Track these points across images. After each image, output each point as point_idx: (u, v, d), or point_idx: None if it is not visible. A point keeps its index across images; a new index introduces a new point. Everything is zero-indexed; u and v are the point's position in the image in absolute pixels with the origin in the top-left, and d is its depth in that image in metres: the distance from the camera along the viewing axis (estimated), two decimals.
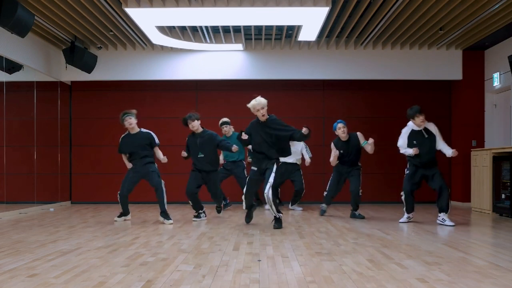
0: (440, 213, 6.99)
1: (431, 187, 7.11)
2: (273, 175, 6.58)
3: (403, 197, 7.25)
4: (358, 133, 7.88)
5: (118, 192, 7.46)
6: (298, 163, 9.25)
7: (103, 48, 10.26)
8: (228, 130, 9.11)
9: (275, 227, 6.57)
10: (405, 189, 7.20)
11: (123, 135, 7.51)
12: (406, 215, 7.30)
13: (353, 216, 7.92)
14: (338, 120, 7.94)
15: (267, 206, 9.11)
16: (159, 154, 7.46)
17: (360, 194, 7.88)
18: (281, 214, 6.73)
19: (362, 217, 7.79)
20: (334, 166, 8.13)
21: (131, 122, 7.31)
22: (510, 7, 7.54)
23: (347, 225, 6.91)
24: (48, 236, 5.83)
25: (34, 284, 3.44)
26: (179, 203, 10.50)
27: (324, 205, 8.41)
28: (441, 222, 6.97)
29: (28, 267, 4.03)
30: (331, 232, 6.20)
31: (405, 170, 7.31)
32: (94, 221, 7.41)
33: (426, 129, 7.09)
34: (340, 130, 7.81)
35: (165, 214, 7.23)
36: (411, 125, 7.13)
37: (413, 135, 7.08)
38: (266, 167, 6.66)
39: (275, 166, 6.63)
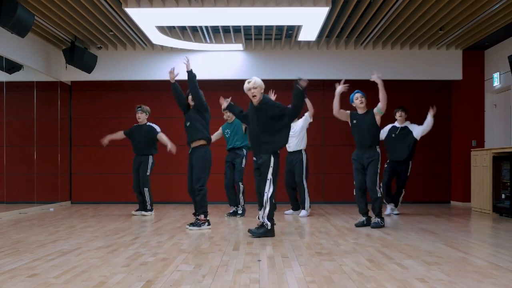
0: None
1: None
2: (270, 170, 5.64)
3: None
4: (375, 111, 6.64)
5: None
6: (299, 148, 8.00)
7: (103, 48, 10.26)
8: (231, 115, 8.17)
9: (252, 234, 5.65)
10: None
11: (136, 125, 8.47)
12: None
13: (373, 225, 6.50)
14: (356, 91, 6.81)
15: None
16: (163, 139, 8.00)
17: (379, 195, 6.50)
18: (268, 222, 5.65)
19: (380, 225, 6.50)
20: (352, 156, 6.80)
21: (139, 116, 8.27)
22: (510, 7, 7.54)
23: (347, 225, 6.90)
24: (48, 236, 5.83)
25: (34, 284, 3.44)
26: (179, 203, 10.50)
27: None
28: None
29: (28, 267, 4.03)
30: (331, 232, 6.20)
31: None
32: (94, 221, 7.41)
33: (405, 128, 8.01)
34: (358, 100, 6.71)
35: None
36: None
37: (392, 129, 8.12)
38: (260, 161, 5.73)
39: (272, 160, 5.65)
